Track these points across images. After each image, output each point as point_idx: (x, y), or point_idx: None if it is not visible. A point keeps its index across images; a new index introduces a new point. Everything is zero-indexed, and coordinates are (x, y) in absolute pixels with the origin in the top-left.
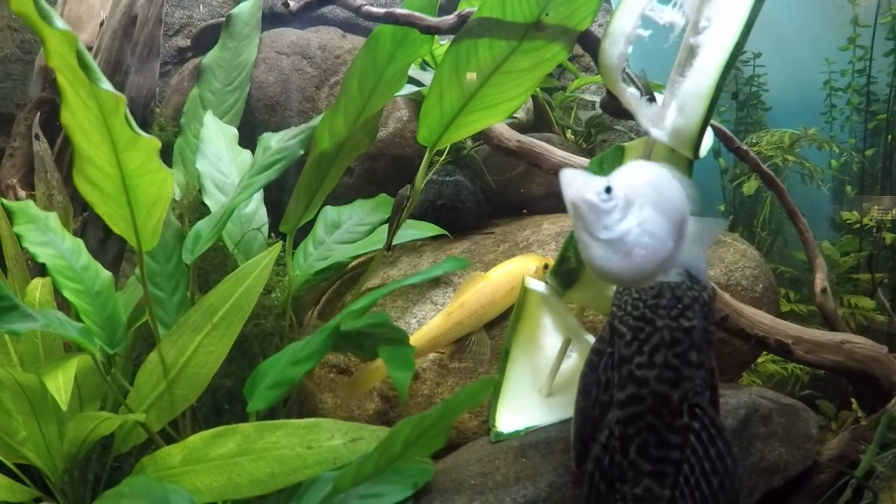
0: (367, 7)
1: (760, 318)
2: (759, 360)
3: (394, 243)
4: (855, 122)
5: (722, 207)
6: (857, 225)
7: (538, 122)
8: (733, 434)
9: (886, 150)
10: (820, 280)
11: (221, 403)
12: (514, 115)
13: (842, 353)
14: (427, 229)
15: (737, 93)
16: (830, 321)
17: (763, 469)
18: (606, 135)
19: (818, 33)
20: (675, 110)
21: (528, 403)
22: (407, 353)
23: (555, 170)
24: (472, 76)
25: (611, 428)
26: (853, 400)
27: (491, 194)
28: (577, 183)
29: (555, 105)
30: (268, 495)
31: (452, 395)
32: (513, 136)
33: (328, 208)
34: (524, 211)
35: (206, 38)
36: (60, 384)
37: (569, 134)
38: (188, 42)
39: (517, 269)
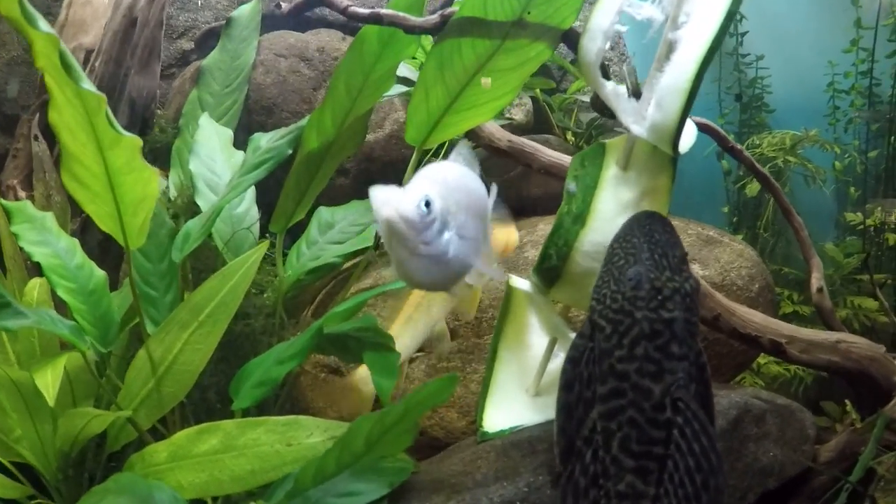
0: (352, 8)
1: (752, 317)
2: (762, 361)
3: None
4: (858, 124)
5: (725, 209)
6: (861, 226)
7: (538, 123)
8: (723, 435)
9: (890, 152)
10: (816, 279)
11: (213, 402)
12: (514, 116)
13: (837, 352)
14: None
15: (740, 95)
16: (827, 320)
17: (757, 471)
18: (606, 136)
19: (821, 36)
20: (653, 105)
21: (514, 403)
22: (392, 360)
23: (545, 169)
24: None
25: (594, 423)
26: (846, 402)
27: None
28: (393, 200)
29: (555, 107)
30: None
31: (413, 391)
32: (504, 136)
33: (322, 209)
34: None
35: (210, 42)
36: (49, 380)
37: (569, 136)
38: (192, 45)
39: None
